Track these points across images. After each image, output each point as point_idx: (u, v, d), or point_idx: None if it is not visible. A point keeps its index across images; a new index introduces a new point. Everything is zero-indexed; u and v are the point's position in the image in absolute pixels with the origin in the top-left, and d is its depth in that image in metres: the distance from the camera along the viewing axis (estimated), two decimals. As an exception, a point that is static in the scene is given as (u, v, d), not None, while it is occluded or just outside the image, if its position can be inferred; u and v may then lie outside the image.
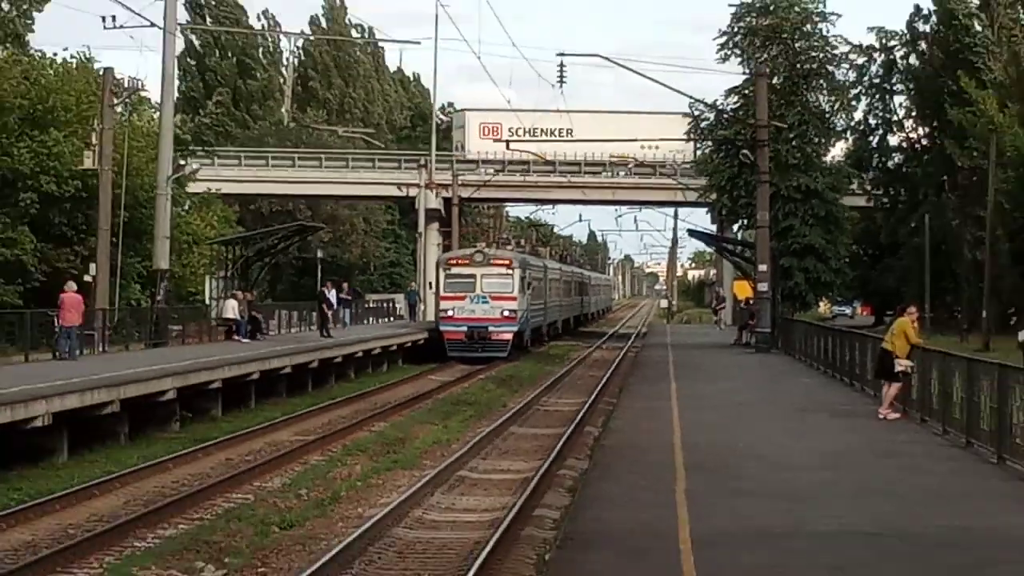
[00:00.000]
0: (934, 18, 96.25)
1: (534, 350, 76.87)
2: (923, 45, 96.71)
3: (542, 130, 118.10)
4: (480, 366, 60.53)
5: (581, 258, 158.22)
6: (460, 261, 65.23)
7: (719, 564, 16.26)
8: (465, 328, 61.94)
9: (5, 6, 71.21)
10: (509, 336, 62.81)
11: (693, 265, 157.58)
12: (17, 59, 71.46)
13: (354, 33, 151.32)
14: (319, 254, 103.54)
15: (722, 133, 78.37)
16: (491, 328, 61.71)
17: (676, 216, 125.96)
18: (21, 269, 64.45)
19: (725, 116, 79.27)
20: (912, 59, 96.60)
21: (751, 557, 16.75)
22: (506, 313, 62.45)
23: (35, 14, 69.45)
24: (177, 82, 64.48)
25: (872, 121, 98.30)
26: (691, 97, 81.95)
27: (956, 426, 31.27)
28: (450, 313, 63.14)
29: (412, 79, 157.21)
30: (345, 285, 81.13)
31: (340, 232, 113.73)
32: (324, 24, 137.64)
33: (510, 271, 64.26)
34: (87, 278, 59.53)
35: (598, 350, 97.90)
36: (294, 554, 22.94)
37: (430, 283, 77.50)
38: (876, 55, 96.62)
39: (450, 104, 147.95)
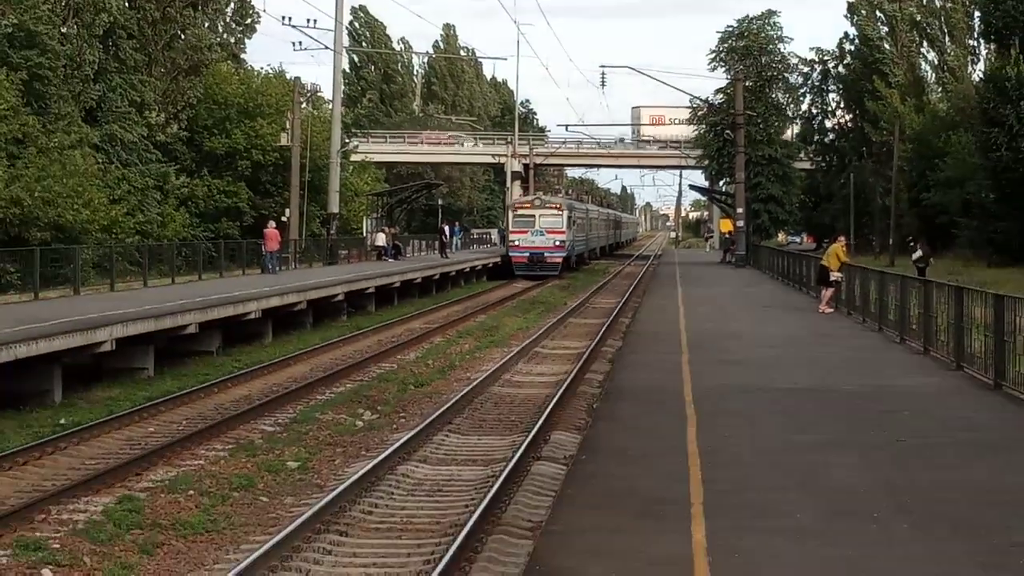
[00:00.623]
0: (856, 40, 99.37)
1: (581, 268, 74.83)
2: (849, 59, 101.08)
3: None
4: (534, 280, 59.21)
5: (616, 204, 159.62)
6: (523, 205, 64.15)
7: (711, 408, 17.92)
8: (527, 254, 60.35)
9: (228, 36, 71.87)
10: (559, 260, 61.26)
11: (693, 209, 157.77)
12: (235, 71, 74.55)
13: (462, 52, 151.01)
14: (439, 202, 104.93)
15: (712, 119, 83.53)
16: (546, 254, 60.20)
17: (680, 176, 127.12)
18: (239, 212, 67.37)
19: (714, 107, 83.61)
20: (841, 68, 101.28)
21: (733, 403, 18.70)
22: (557, 243, 60.73)
23: (247, 40, 73.22)
24: (342, 86, 66.55)
25: (814, 111, 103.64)
26: (691, 95, 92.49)
27: (871, 317, 32.77)
28: (516, 243, 61.44)
29: (502, 83, 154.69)
30: (456, 224, 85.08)
31: (454, 187, 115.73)
32: (442, 46, 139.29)
33: (560, 212, 62.39)
34: (283, 219, 61.16)
35: (628, 266, 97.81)
36: (424, 403, 24.92)
37: (511, 221, 78.15)
38: (816, 66, 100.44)
39: (527, 100, 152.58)
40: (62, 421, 22.48)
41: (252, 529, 14.09)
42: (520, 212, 62.86)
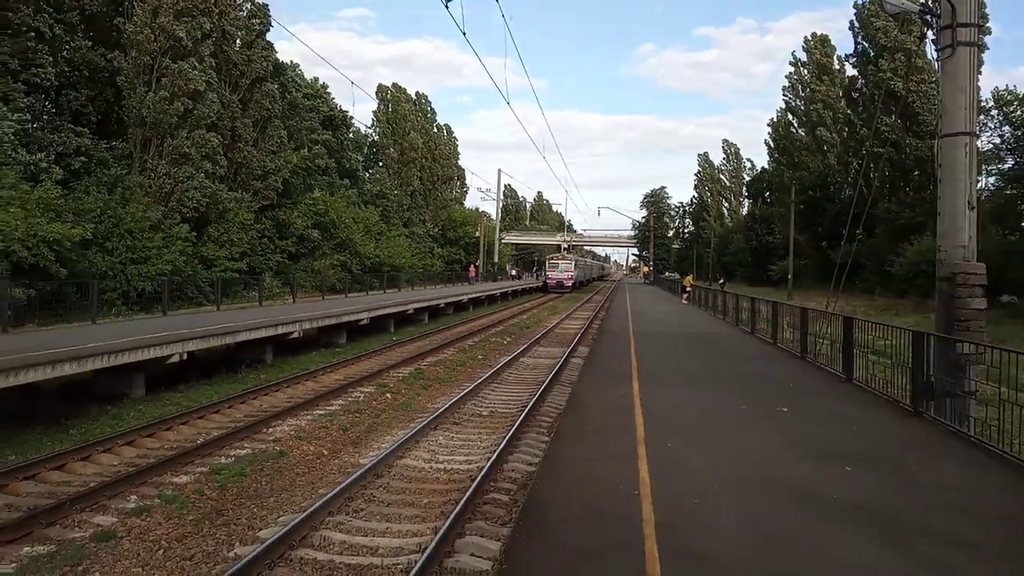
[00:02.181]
0: (696, 199, 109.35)
1: (582, 289, 75.65)
2: (693, 205, 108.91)
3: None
4: (560, 294, 61.92)
5: (602, 258, 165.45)
6: (553, 258, 70.70)
7: (641, 339, 19.75)
8: (555, 281, 66.31)
9: (456, 193, 77.31)
10: (571, 284, 67.15)
11: (633, 262, 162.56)
12: (459, 209, 76.31)
13: (544, 197, 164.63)
14: (535, 257, 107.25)
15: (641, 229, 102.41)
16: (564, 281, 66.54)
17: (628, 250, 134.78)
18: (459, 262, 67.97)
19: (641, 224, 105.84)
20: (690, 209, 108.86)
21: (651, 337, 20.40)
22: (568, 275, 67.52)
23: (465, 195, 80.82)
24: (500, 213, 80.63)
25: (679, 227, 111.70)
26: (632, 219, 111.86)
27: (704, 305, 34.12)
28: (549, 276, 67.57)
29: (557, 213, 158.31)
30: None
31: (541, 254, 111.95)
32: (536, 196, 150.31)
33: (571, 261, 70.09)
34: (476, 264, 67.01)
35: (605, 285, 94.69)
36: (529, 335, 27.51)
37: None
38: (680, 209, 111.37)
39: (569, 220, 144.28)
40: (394, 339, 24.59)
41: (465, 380, 16.74)
42: (551, 261, 69.52)
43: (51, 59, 26.16)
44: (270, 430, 11.73)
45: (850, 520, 5.92)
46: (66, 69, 27.96)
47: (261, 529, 7.59)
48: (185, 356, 14.99)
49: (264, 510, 8.22)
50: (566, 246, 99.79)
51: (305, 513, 7.52)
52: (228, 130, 32.79)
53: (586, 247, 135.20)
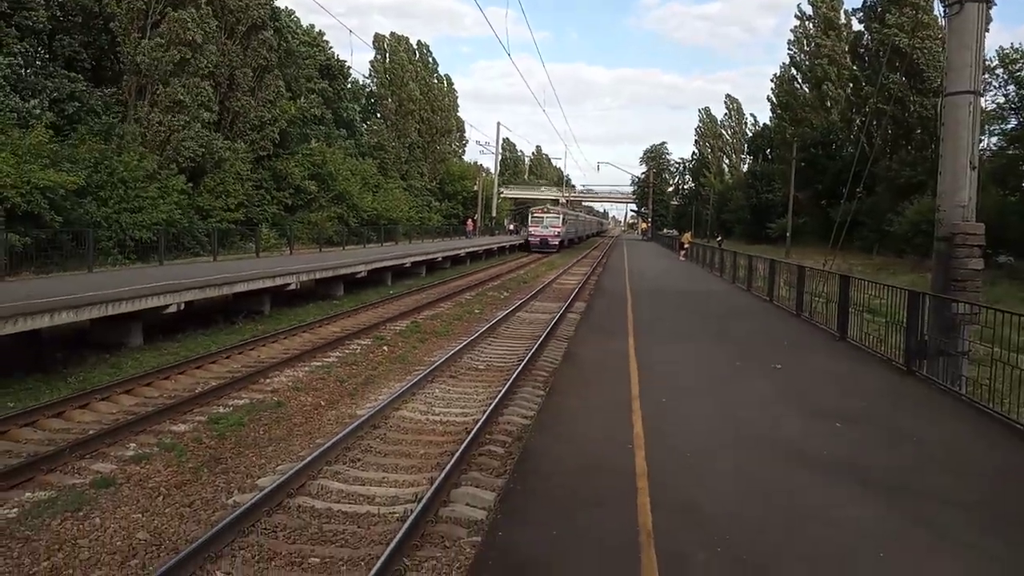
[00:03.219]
0: (697, 155, 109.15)
1: (574, 246, 68.67)
2: (694, 162, 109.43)
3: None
4: (545, 254, 54.01)
5: (601, 215, 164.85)
6: (536, 211, 60.16)
7: (638, 295, 19.89)
8: (538, 239, 56.71)
9: (455, 146, 76.33)
10: (557, 243, 57.35)
11: (632, 219, 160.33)
12: (457, 162, 75.55)
13: (543, 152, 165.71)
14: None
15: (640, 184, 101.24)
16: (549, 239, 56.91)
17: (627, 205, 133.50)
18: (457, 216, 65.76)
19: (640, 180, 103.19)
20: (690, 166, 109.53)
21: (649, 296, 20.25)
22: (556, 232, 57.28)
23: (464, 149, 79.33)
24: (498, 167, 75.13)
25: (679, 183, 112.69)
26: (632, 174, 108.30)
27: (701, 262, 34.31)
28: (532, 232, 57.68)
29: (557, 167, 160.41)
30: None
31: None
32: (535, 150, 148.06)
33: (558, 215, 59.16)
34: (474, 218, 64.96)
35: (603, 241, 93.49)
36: (526, 289, 27.40)
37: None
38: (681, 164, 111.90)
39: (568, 174, 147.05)
40: (391, 292, 24.87)
41: (462, 335, 16.84)
42: (535, 215, 59.31)
43: (43, 3, 25.63)
44: (268, 381, 11.76)
45: (840, 476, 5.98)
46: (59, 14, 27.46)
47: (259, 477, 7.64)
48: (183, 306, 14.95)
49: (262, 459, 8.26)
50: (563, 200, 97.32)
51: (303, 462, 7.57)
52: (225, 78, 32.31)
53: (584, 202, 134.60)
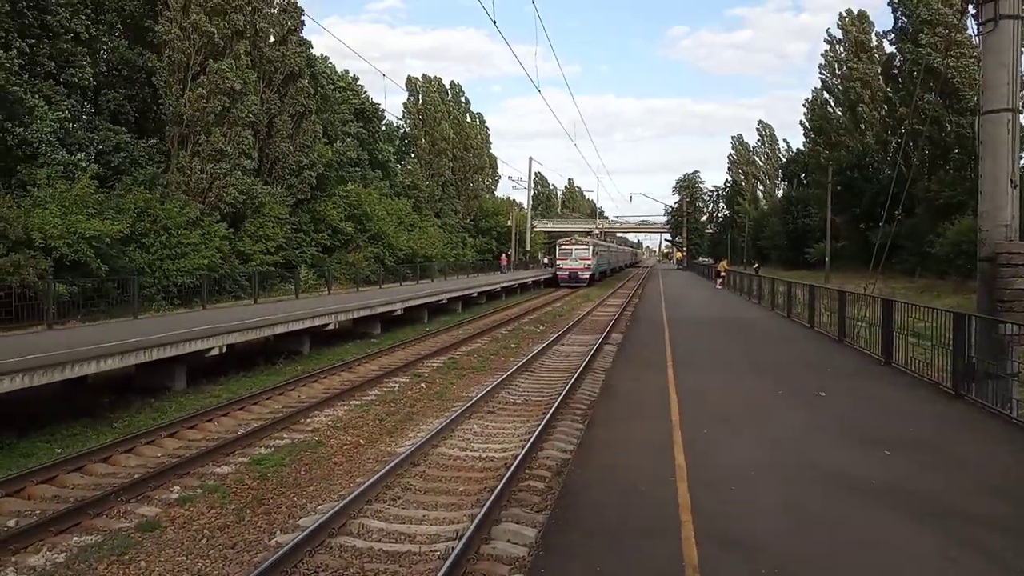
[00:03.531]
0: (731, 182, 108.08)
1: (604, 280, 63.85)
2: (727, 189, 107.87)
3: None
4: (574, 288, 51.00)
5: (635, 245, 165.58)
6: (565, 243, 55.15)
7: (675, 325, 19.80)
8: (567, 273, 52.28)
9: (488, 182, 77.16)
10: (588, 276, 52.72)
11: (666, 248, 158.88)
12: (490, 198, 76.02)
13: (576, 185, 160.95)
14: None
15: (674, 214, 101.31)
16: (579, 273, 52.33)
17: (661, 236, 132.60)
18: (491, 251, 67.08)
19: (673, 209, 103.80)
20: (724, 194, 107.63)
21: (685, 323, 20.31)
22: (586, 265, 52.59)
23: (496, 185, 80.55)
24: (531, 202, 76.12)
25: (713, 212, 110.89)
26: (664, 204, 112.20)
27: (739, 290, 33.45)
28: (560, 266, 53.10)
29: (590, 200, 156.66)
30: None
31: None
32: (568, 183, 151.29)
33: (587, 247, 53.80)
34: (508, 253, 65.19)
35: (637, 272, 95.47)
36: (561, 323, 27.60)
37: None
38: (714, 192, 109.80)
39: (601, 207, 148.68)
40: (428, 329, 25.06)
41: (499, 369, 16.77)
42: (563, 247, 54.36)
43: (89, 60, 26.62)
44: (308, 420, 11.85)
45: (889, 504, 5.81)
46: (104, 69, 28.48)
47: (301, 517, 7.66)
48: (225, 349, 15.16)
49: (304, 499, 8.27)
50: (597, 232, 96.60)
51: (344, 501, 7.59)
52: (264, 125, 33.13)
53: (618, 233, 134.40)
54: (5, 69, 21.67)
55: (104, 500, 7.96)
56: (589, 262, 53.42)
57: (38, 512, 7.88)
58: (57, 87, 25.06)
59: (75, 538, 7.14)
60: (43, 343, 13.05)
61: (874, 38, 64.72)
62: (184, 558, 6.68)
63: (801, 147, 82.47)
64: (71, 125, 26.10)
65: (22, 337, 14.87)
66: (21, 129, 22.47)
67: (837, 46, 67.25)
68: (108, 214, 22.70)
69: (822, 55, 69.12)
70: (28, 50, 24.22)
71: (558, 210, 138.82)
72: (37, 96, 23.68)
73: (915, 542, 5.09)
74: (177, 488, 8.64)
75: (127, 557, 6.65)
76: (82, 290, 19.88)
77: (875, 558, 4.83)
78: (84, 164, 24.16)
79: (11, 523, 7.56)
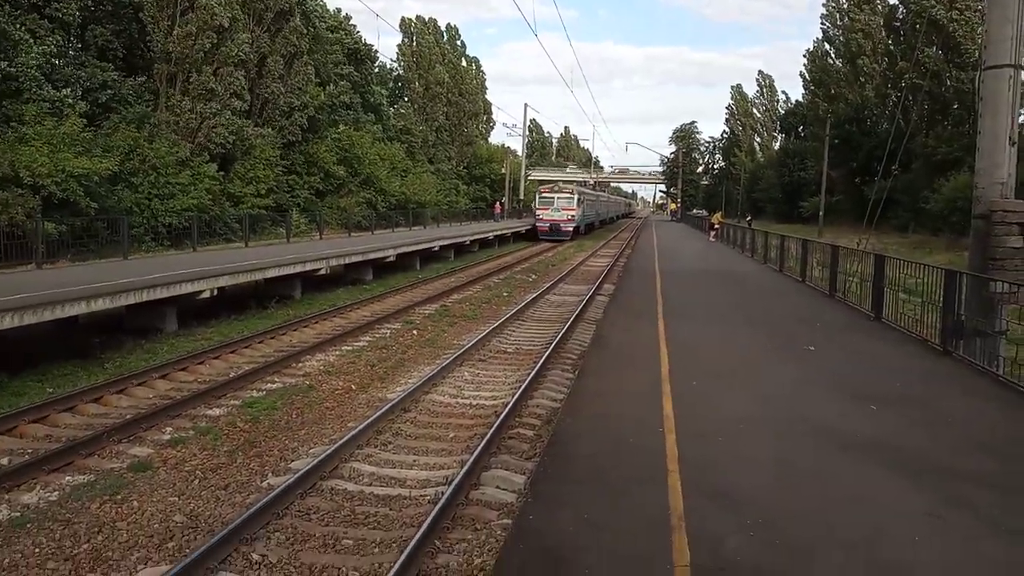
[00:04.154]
0: (729, 133, 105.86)
1: (595, 231, 60.58)
2: (724, 140, 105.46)
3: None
4: (557, 242, 45.52)
5: (629, 196, 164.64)
6: (545, 190, 49.21)
7: (667, 277, 19.90)
8: (547, 225, 46.68)
9: (482, 128, 76.39)
10: (571, 228, 47.14)
11: (660, 199, 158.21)
12: (485, 145, 75.33)
13: (572, 133, 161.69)
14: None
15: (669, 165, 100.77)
16: (561, 225, 46.68)
17: (656, 186, 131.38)
18: (484, 199, 66.50)
19: (669, 159, 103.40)
20: (721, 145, 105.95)
21: (677, 275, 20.47)
22: (570, 216, 46.96)
23: (490, 132, 79.91)
24: (525, 150, 75.25)
25: (709, 162, 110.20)
26: (661, 154, 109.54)
27: (731, 242, 34.27)
28: (540, 216, 47.42)
29: (584, 148, 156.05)
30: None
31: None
32: (563, 130, 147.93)
33: (571, 196, 47.89)
34: (501, 201, 65.04)
35: (631, 223, 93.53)
36: (554, 272, 27.60)
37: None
38: (711, 143, 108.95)
39: (596, 155, 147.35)
40: (420, 276, 25.13)
41: (491, 318, 16.77)
42: (543, 195, 48.38)
43: (74, -7, 25.92)
44: (300, 365, 11.88)
45: (875, 458, 5.87)
46: (89, 3, 27.69)
47: (293, 460, 7.73)
48: (216, 292, 15.18)
49: (295, 442, 8.34)
50: (591, 182, 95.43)
51: (335, 445, 7.64)
52: (255, 65, 32.48)
53: (613, 183, 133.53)
54: (-12, 0, 21.04)
55: (96, 440, 7.98)
56: (573, 212, 47.86)
57: (30, 451, 7.91)
58: (41, 21, 24.39)
59: (68, 477, 7.18)
60: (33, 282, 13.02)
61: (878, -12, 63.54)
62: (176, 499, 6.73)
63: (800, 99, 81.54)
64: (57, 61, 25.49)
65: (11, 276, 14.80)
66: (6, 64, 21.94)
67: (840, -4, 66.12)
68: (96, 152, 22.33)
69: (824, 5, 67.95)
70: (11, -19, 23.49)
71: (553, 159, 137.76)
72: (21, 29, 23.06)
73: (902, 498, 5.14)
74: (169, 429, 8.64)
75: (119, 497, 6.70)
76: (71, 229, 19.72)
77: (861, 513, 4.88)
78: (71, 101, 23.66)
79: (4, 461, 7.60)
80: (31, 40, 22.93)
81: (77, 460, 7.55)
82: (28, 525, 6.12)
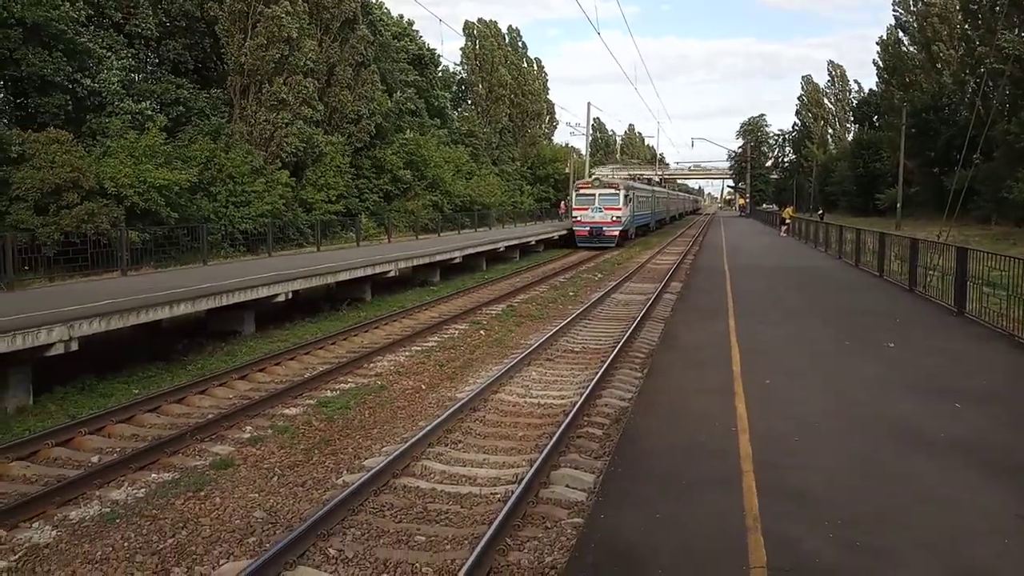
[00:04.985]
0: (800, 125, 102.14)
1: (651, 233, 53.10)
2: (796, 133, 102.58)
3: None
4: (600, 249, 37.72)
5: (696, 192, 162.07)
6: (584, 185, 40.72)
7: (737, 273, 19.54)
8: (587, 228, 38.32)
9: (546, 129, 76.55)
10: (616, 232, 38.78)
11: (728, 195, 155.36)
12: (548, 145, 74.98)
13: (636, 131, 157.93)
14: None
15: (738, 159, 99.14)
16: (604, 230, 38.26)
17: (723, 182, 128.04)
18: (548, 200, 65.08)
19: (737, 154, 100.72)
20: (791, 138, 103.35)
21: (748, 271, 20.17)
22: (615, 217, 38.53)
23: (554, 132, 79.46)
24: (589, 148, 67.51)
25: (779, 156, 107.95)
26: (728, 149, 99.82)
27: (804, 237, 33.30)
28: (579, 218, 39.15)
29: (649, 146, 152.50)
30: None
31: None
32: (627, 129, 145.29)
33: (616, 193, 39.25)
34: (564, 201, 60.96)
35: (698, 219, 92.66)
36: (620, 271, 27.40)
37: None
38: (780, 137, 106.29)
39: (661, 153, 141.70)
40: (486, 276, 25.36)
41: (557, 317, 16.79)
42: (582, 192, 39.87)
43: (150, 11, 27.03)
44: (371, 365, 12.07)
45: (959, 459, 5.63)
46: (165, 20, 28.83)
47: (367, 458, 7.85)
48: (290, 295, 15.54)
49: (368, 440, 8.48)
50: (656, 179, 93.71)
51: (407, 444, 7.72)
52: (324, 74, 33.28)
53: (679, 179, 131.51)
54: (73, 21, 22.12)
55: (180, 439, 8.27)
56: (619, 213, 39.06)
57: (118, 449, 8.23)
58: (118, 37, 25.54)
59: (153, 475, 7.44)
60: (119, 288, 13.64)
61: (955, -30, 61.03)
62: (256, 495, 6.92)
63: (873, 88, 78.87)
64: (136, 76, 26.65)
65: (99, 283, 15.59)
66: (89, 80, 23.02)
67: (914, -20, 63.75)
68: (176, 164, 23.24)
69: (897, -10, 65.61)
70: (95, 0, 24.67)
71: (617, 156, 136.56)
72: (104, 46, 24.19)
73: (989, 499, 4.92)
74: (249, 428, 8.90)
75: (203, 493, 6.93)
76: (153, 237, 20.62)
77: (945, 515, 4.70)
78: (150, 112, 24.70)
79: (94, 459, 7.92)
80: (111, 56, 23.97)
81: (162, 458, 7.82)
82: (117, 520, 6.34)
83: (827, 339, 10.54)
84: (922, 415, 6.79)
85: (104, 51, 23.88)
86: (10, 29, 20.58)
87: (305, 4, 31.09)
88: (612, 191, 39.63)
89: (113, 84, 23.49)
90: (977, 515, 4.70)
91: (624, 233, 40.80)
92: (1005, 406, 7.11)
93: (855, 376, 8.32)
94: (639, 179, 64.66)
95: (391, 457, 7.37)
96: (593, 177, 43.97)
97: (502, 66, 65.50)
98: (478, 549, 5.38)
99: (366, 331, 15.14)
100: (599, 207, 38.84)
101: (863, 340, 10.36)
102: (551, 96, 77.76)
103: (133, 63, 25.87)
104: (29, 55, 21.16)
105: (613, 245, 38.55)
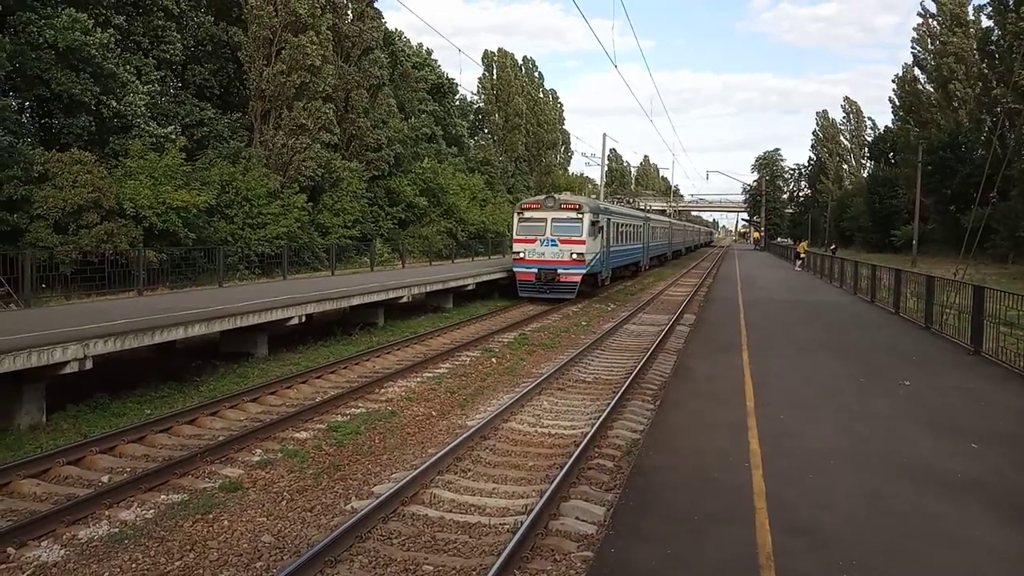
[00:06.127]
0: (815, 159, 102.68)
1: (645, 273, 41.17)
2: (811, 167, 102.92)
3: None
4: (552, 301, 25.14)
5: (710, 224, 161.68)
6: (531, 206, 26.18)
7: (751, 307, 19.43)
8: (534, 269, 25.11)
9: (561, 159, 78.00)
10: (576, 277, 25.14)
11: (742, 228, 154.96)
12: (563, 173, 77.52)
13: (651, 162, 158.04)
14: None
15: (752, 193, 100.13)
16: (558, 271, 24.88)
17: (738, 216, 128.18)
18: None
19: (751, 188, 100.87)
20: (807, 172, 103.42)
21: (762, 305, 20.00)
22: (573, 256, 24.94)
23: (569, 161, 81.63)
24: (604, 178, 71.17)
25: (794, 190, 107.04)
26: (743, 182, 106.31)
27: (817, 271, 32.70)
28: (521, 254, 25.57)
29: (663, 178, 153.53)
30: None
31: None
32: (642, 160, 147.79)
33: (579, 216, 25.22)
34: None
35: (712, 252, 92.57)
36: (632, 302, 27.40)
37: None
38: (795, 171, 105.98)
39: (676, 185, 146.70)
40: (499, 304, 25.08)
41: (569, 347, 16.72)
42: (527, 215, 25.84)
43: (178, 36, 27.53)
44: (382, 390, 12.04)
45: (974, 499, 5.57)
46: (191, 45, 29.36)
47: (375, 485, 7.80)
48: (304, 318, 15.56)
49: (378, 466, 8.45)
50: (670, 211, 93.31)
51: (416, 471, 7.69)
52: (342, 101, 33.73)
53: (693, 211, 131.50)
54: (102, 46, 22.54)
55: (190, 460, 8.26)
56: (581, 248, 25.54)
57: (129, 469, 8.23)
58: (146, 60, 26.01)
59: (163, 496, 7.41)
60: (135, 308, 13.73)
61: (971, 11, 61.31)
62: (265, 519, 6.89)
63: (889, 125, 78.94)
64: (160, 100, 27.09)
65: (115, 302, 15.69)
66: (115, 103, 23.40)
67: (931, 20, 63.97)
68: (194, 186, 23.50)
69: (915, 29, 65.93)
70: (126, 26, 25.16)
71: (632, 188, 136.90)
72: (130, 71, 24.62)
73: (1004, 541, 4.84)
74: (259, 451, 8.88)
75: (211, 516, 6.90)
76: (170, 258, 20.79)
77: (958, 556, 4.63)
78: (173, 136, 25.06)
79: (104, 479, 7.92)
80: (137, 80, 24.38)
81: (172, 479, 7.80)
82: (126, 541, 6.33)
83: (842, 375, 10.42)
84: (937, 454, 6.72)
85: (130, 75, 24.29)
86: (42, 51, 20.95)
87: (329, 33, 31.54)
88: (571, 214, 25.70)
89: (139, 107, 23.86)
90: (993, 557, 4.62)
91: (595, 277, 27.84)
92: (1022, 448, 6.99)
93: (870, 413, 8.24)
94: (649, 209, 63.14)
95: (400, 484, 7.33)
96: (545, 195, 28.64)
97: (518, 95, 66.16)
98: (486, 580, 5.19)
99: (378, 356, 15.08)
100: (551, 239, 25.55)
101: (878, 377, 10.26)
102: (567, 127, 78.63)
103: (157, 88, 26.25)
104: (59, 76, 21.46)
105: (572, 296, 25.72)
